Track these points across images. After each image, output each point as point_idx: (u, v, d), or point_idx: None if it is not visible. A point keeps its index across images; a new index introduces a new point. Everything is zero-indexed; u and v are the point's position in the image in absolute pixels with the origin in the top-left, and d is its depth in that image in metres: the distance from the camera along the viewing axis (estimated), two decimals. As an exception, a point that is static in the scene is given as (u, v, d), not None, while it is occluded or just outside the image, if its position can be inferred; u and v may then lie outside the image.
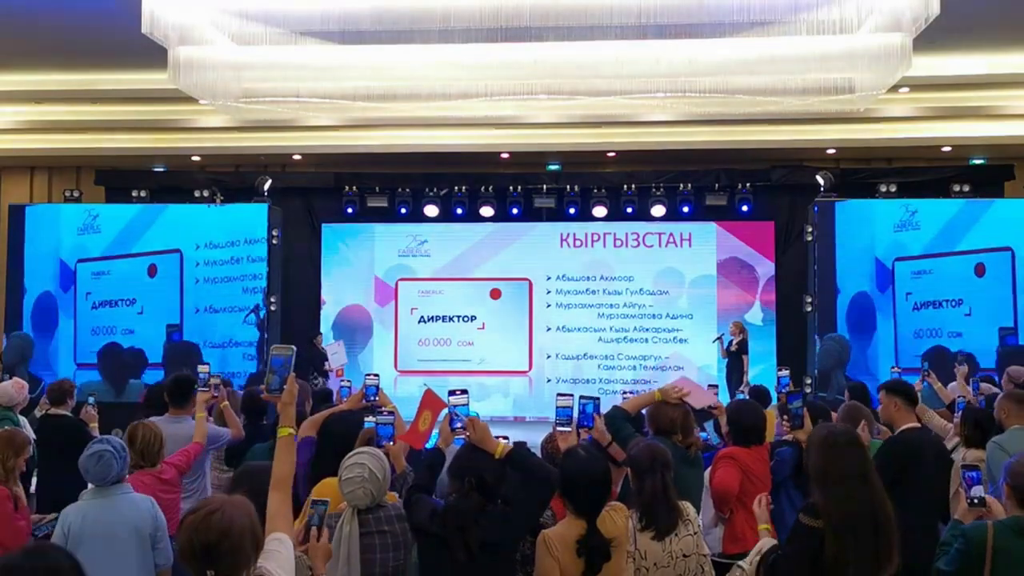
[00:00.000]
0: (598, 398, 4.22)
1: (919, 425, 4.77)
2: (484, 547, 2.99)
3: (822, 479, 2.87)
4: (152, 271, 11.82)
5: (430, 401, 3.82)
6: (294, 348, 2.90)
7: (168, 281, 11.81)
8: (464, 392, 3.51)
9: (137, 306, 11.81)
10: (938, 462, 4.53)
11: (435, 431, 3.73)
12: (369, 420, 4.08)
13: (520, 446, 3.32)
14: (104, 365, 11.76)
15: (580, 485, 3.17)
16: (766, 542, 2.99)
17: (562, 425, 3.78)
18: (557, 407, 3.77)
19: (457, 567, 2.98)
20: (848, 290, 11.28)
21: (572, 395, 3.89)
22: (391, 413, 3.99)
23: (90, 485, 3.75)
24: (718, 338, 11.72)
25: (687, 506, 3.48)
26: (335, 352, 9.37)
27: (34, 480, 6.32)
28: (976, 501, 3.34)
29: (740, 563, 3.06)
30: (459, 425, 3.39)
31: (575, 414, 3.98)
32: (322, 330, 12.57)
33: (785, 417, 3.50)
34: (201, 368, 5.29)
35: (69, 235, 11.94)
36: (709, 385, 3.94)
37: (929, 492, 4.38)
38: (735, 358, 11.16)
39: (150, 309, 11.78)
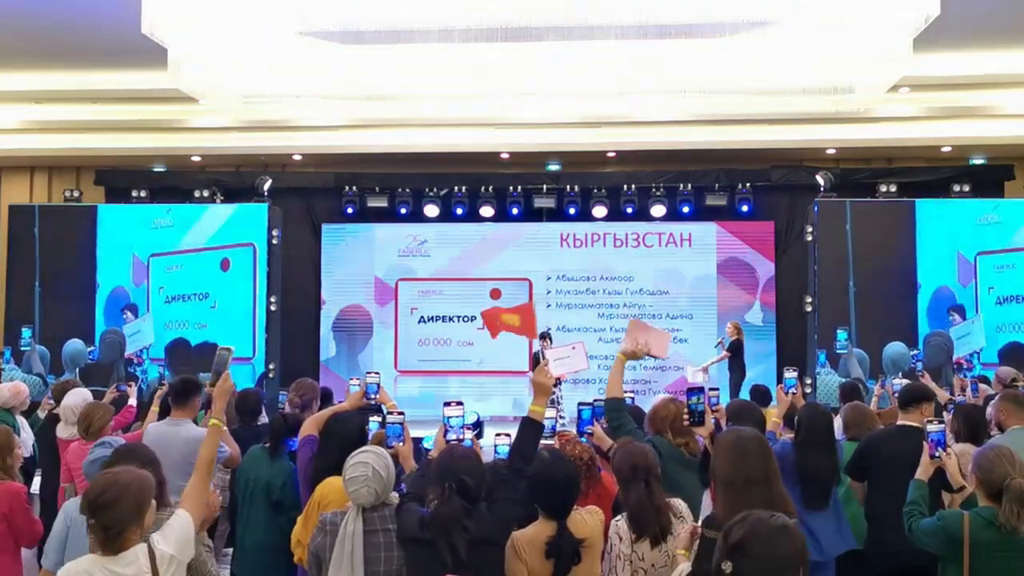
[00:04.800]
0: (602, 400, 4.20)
1: (915, 424, 4.78)
2: (471, 547, 2.95)
3: (727, 485, 2.79)
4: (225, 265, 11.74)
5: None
6: (232, 349, 3.22)
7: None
8: (459, 404, 3.53)
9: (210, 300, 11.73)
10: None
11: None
12: (374, 421, 4.07)
13: (534, 430, 3.32)
14: (171, 360, 11.63)
15: (546, 487, 3.18)
16: (684, 567, 2.92)
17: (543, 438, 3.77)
18: None
19: (445, 572, 2.95)
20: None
21: (554, 408, 3.90)
22: (401, 413, 4.00)
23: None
24: (719, 343, 11.69)
25: (678, 503, 3.44)
26: (560, 357, 9.31)
27: (37, 479, 6.34)
28: (936, 456, 3.71)
29: None
30: (453, 437, 3.43)
31: (585, 420, 4.01)
32: (322, 330, 12.58)
33: (685, 413, 3.51)
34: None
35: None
36: (709, 388, 3.91)
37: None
38: (734, 358, 11.15)
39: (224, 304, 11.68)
